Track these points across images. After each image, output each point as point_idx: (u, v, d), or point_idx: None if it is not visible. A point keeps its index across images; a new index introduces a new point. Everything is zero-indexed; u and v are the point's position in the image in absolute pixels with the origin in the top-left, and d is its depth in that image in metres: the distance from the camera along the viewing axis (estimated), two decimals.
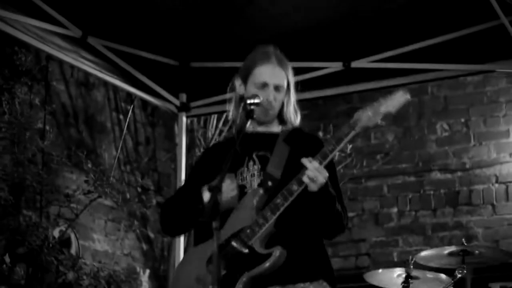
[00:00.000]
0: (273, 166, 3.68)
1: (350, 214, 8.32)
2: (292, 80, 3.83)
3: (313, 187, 3.47)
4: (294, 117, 3.85)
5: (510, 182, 7.94)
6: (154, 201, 8.09)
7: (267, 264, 3.52)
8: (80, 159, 7.11)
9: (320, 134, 8.19)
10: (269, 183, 3.63)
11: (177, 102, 6.82)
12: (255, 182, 3.69)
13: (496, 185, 8.01)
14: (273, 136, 3.81)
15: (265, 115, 3.78)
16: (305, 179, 3.46)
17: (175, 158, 7.52)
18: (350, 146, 8.02)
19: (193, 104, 6.86)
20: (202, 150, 8.02)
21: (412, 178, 8.33)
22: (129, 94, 7.71)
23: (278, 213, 3.52)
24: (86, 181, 7.01)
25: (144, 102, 7.90)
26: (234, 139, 3.67)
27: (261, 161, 3.73)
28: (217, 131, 8.26)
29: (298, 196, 3.52)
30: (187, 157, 7.17)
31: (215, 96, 6.53)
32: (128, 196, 7.76)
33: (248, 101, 3.65)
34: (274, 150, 3.74)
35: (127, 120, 7.95)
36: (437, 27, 5.97)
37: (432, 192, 8.22)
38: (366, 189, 8.48)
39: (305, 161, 3.47)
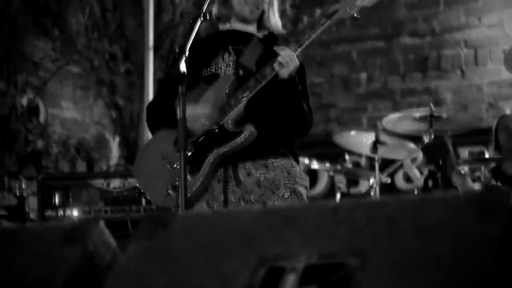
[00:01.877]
0: (247, 58, 3.73)
1: (319, 80, 8.34)
2: None
3: (284, 73, 3.53)
4: (276, 27, 3.85)
5: (479, 46, 7.94)
6: (122, 68, 8.02)
7: (238, 141, 3.58)
8: (47, 26, 7.02)
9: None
10: (241, 72, 3.67)
11: None
12: (230, 71, 3.74)
13: (465, 49, 8.01)
14: (250, 35, 3.85)
15: (249, 13, 3.77)
16: (276, 65, 3.51)
17: (143, 24, 7.44)
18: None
19: None
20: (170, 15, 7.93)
21: (381, 43, 8.30)
22: None
23: (250, 95, 3.58)
24: (53, 49, 6.93)
25: None
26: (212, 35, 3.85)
27: (236, 53, 3.78)
28: None
29: (268, 84, 3.57)
30: (155, 23, 7.08)
31: None
32: (96, 63, 7.70)
33: None
34: (249, 46, 3.78)
35: None
36: None
37: (401, 57, 8.22)
38: (335, 54, 8.45)
39: (277, 48, 3.52)
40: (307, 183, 3.84)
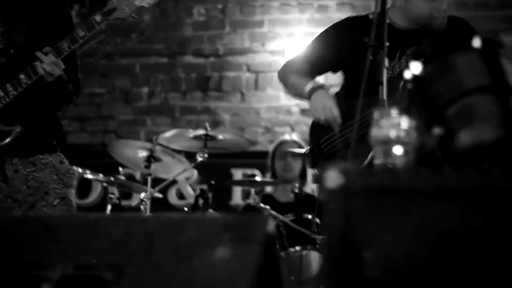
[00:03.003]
0: (18, 30, 3.58)
1: (101, 91, 8.26)
2: None
3: (49, 79, 3.46)
4: None
5: (260, 71, 8.13)
6: None
7: (7, 140, 3.49)
8: None
9: (76, 7, 8.02)
10: (12, 51, 3.56)
11: None
12: None
13: (247, 73, 8.18)
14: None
15: None
16: (40, 70, 3.43)
17: None
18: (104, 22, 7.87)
19: None
20: None
21: (165, 60, 8.34)
22: None
23: (20, 90, 3.48)
24: None
25: None
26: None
27: (5, 22, 3.59)
28: None
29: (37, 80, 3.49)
30: None
31: None
32: None
33: None
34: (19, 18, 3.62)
35: None
36: None
37: (183, 75, 8.29)
38: (118, 66, 8.40)
39: (39, 54, 3.43)
40: (75, 181, 3.80)
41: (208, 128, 5.60)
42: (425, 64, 3.08)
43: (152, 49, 8.35)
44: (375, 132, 2.05)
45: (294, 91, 4.11)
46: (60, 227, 1.80)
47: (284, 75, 4.15)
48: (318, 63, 4.02)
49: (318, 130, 3.89)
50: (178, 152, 5.92)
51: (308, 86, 3.87)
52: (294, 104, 7.84)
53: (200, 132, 5.66)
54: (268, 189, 6.55)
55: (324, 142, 3.87)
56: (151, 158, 5.66)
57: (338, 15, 7.75)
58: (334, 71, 4.12)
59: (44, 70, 3.42)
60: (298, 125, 7.93)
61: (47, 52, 3.43)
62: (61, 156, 3.68)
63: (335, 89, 4.10)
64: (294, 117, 7.97)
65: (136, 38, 8.36)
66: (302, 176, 6.43)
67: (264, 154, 6.71)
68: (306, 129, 7.63)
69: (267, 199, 6.20)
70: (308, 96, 3.85)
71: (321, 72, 4.13)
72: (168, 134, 5.89)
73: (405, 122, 2.05)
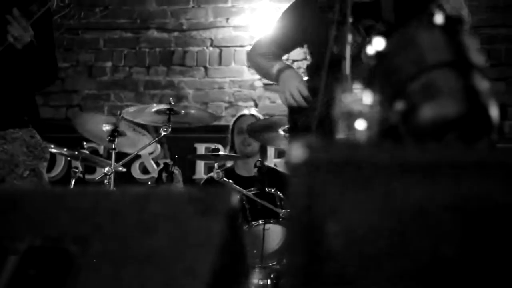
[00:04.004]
0: None
1: (65, 65, 8.20)
2: None
3: (18, 46, 3.44)
4: None
5: (224, 46, 8.13)
6: None
7: None
8: None
9: None
10: None
11: None
12: None
13: (211, 48, 8.18)
14: None
15: None
16: (9, 38, 3.41)
17: None
18: None
19: None
20: None
21: (129, 34, 8.31)
22: None
23: None
24: None
25: None
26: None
27: None
28: None
29: (6, 49, 3.46)
30: None
31: None
32: None
33: None
34: None
35: None
36: None
37: (147, 50, 8.27)
38: (82, 41, 8.36)
39: (10, 18, 3.40)
40: (48, 155, 3.80)
41: (172, 103, 5.59)
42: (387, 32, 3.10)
43: (116, 24, 8.31)
44: (338, 107, 2.07)
45: (263, 74, 4.14)
46: (27, 201, 1.80)
47: (253, 57, 4.17)
48: (284, 43, 4.03)
49: (293, 108, 3.91)
50: (142, 126, 5.91)
51: (275, 68, 3.89)
52: (258, 78, 7.85)
53: (164, 106, 5.65)
54: (230, 163, 6.58)
55: (299, 118, 3.89)
56: (115, 133, 5.65)
57: None
58: (302, 47, 4.14)
59: (12, 36, 3.40)
60: (262, 100, 7.95)
61: (16, 16, 3.41)
62: (32, 131, 3.68)
63: (299, 64, 4.13)
64: (258, 92, 7.99)
65: (100, 12, 8.31)
66: (263, 150, 6.46)
67: (227, 128, 6.72)
68: (269, 103, 7.68)
69: (230, 173, 6.22)
70: (276, 78, 3.87)
71: (288, 51, 4.16)
72: (132, 109, 5.87)
73: (367, 97, 2.07)
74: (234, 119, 6.69)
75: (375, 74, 2.28)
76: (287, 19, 4.04)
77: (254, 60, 4.15)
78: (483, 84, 2.14)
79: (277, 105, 7.35)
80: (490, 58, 7.66)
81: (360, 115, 2.05)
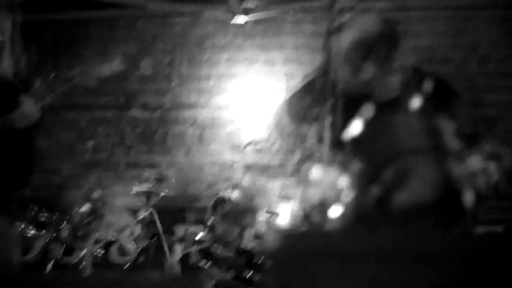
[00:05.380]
0: None
1: (46, 144, 8.17)
2: None
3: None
4: None
5: (205, 126, 8.14)
6: None
7: None
8: None
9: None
10: None
11: None
12: None
13: (192, 128, 8.17)
14: None
15: None
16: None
17: None
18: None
19: None
20: None
21: (111, 113, 8.31)
22: None
23: None
24: None
25: None
26: None
27: None
28: None
29: None
30: None
31: None
32: None
33: None
34: None
35: None
36: None
37: (129, 129, 8.26)
38: (64, 120, 8.34)
39: None
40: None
41: (151, 184, 5.56)
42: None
43: (98, 103, 8.32)
44: (313, 192, 2.06)
45: None
46: None
47: None
48: None
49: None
50: (122, 208, 5.87)
51: None
52: (238, 159, 7.84)
53: (144, 188, 5.62)
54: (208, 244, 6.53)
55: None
56: (94, 213, 5.61)
57: (285, 69, 7.81)
58: None
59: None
60: (242, 181, 7.92)
61: None
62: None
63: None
64: (237, 173, 7.96)
65: (83, 91, 8.30)
66: (241, 232, 6.42)
67: (206, 209, 6.68)
68: (249, 184, 7.64)
69: (208, 254, 6.15)
70: None
71: None
72: (112, 190, 5.84)
73: (343, 182, 2.06)
74: (213, 200, 6.65)
75: (351, 158, 2.27)
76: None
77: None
78: (458, 170, 2.13)
79: (256, 187, 7.32)
80: None
81: (335, 200, 2.04)
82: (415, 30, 7.63)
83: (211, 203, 6.64)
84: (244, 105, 7.90)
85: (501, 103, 7.62)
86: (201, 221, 6.71)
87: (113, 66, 3.68)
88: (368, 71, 3.54)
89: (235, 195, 6.68)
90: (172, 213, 6.53)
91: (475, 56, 7.73)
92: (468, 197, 2.01)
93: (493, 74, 7.73)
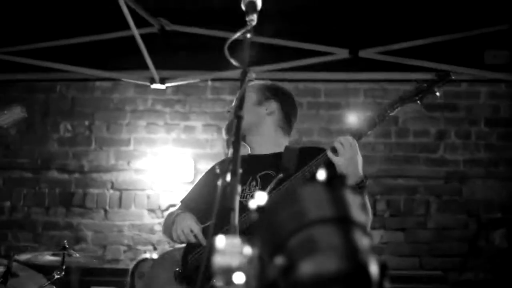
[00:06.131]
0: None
1: None
2: None
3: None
4: None
5: (124, 189, 8.15)
6: None
7: None
8: None
9: None
10: None
11: None
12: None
13: (111, 191, 8.17)
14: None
15: None
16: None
17: None
18: None
19: None
20: None
21: (29, 174, 8.27)
22: None
23: None
24: None
25: None
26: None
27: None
28: None
29: None
30: None
31: None
32: None
33: None
34: None
35: None
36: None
37: (47, 190, 8.22)
38: None
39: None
40: None
41: (66, 246, 5.56)
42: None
43: (16, 163, 8.28)
44: (217, 259, 2.09)
45: (168, 232, 4.18)
46: None
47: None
48: (191, 206, 4.18)
49: (187, 248, 4.03)
50: (37, 268, 5.83)
51: (173, 215, 4.04)
52: (157, 222, 7.87)
53: (59, 249, 5.61)
54: None
55: (191, 258, 3.99)
56: (9, 274, 5.55)
57: (204, 136, 7.91)
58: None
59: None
60: (161, 244, 7.94)
61: None
62: None
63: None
64: (157, 236, 7.98)
65: (1, 151, 8.27)
66: None
67: (126, 271, 6.67)
68: (168, 247, 7.67)
69: None
70: (172, 222, 4.00)
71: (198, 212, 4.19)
72: (28, 250, 5.81)
73: (248, 251, 2.10)
74: (134, 263, 6.65)
75: (256, 228, 2.31)
76: (197, 184, 4.22)
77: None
78: (363, 241, 2.17)
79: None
80: (389, 207, 7.86)
81: (239, 268, 2.06)
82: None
83: (133, 264, 6.63)
84: (164, 170, 7.95)
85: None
86: (121, 283, 6.69)
87: (14, 114, 3.69)
88: None
89: (154, 256, 6.69)
90: (89, 274, 6.49)
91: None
92: (374, 268, 2.05)
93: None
